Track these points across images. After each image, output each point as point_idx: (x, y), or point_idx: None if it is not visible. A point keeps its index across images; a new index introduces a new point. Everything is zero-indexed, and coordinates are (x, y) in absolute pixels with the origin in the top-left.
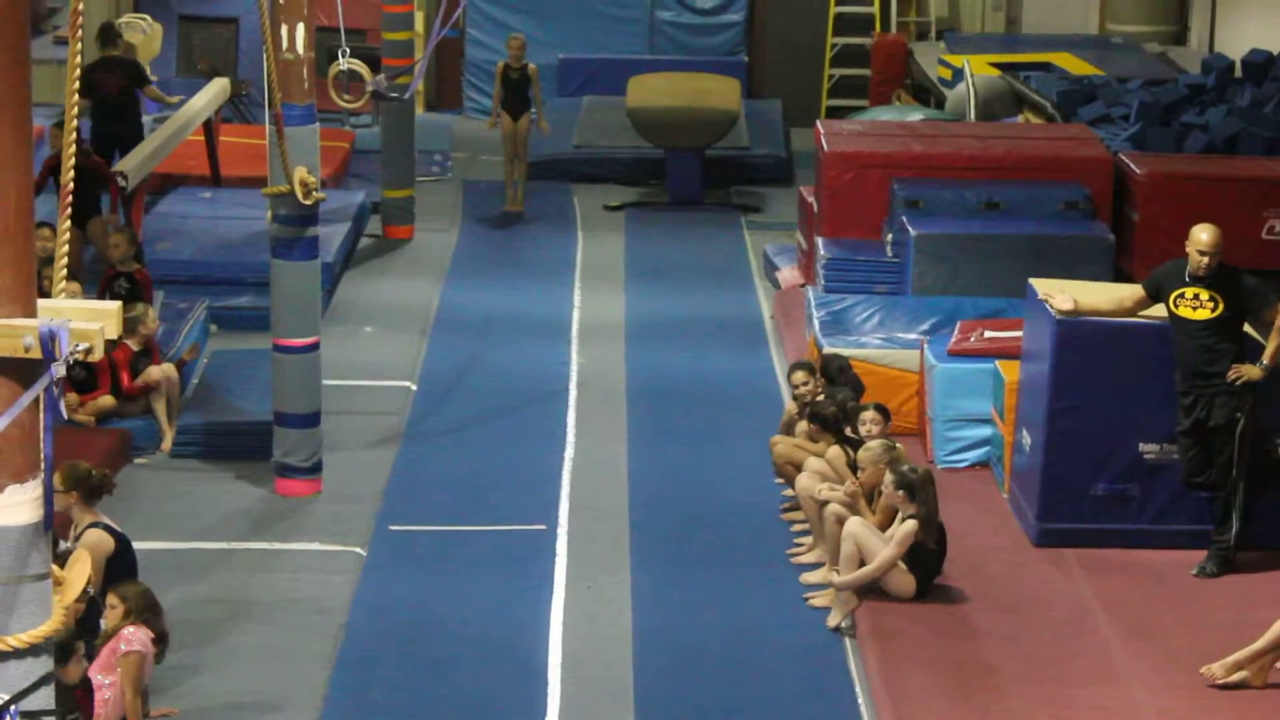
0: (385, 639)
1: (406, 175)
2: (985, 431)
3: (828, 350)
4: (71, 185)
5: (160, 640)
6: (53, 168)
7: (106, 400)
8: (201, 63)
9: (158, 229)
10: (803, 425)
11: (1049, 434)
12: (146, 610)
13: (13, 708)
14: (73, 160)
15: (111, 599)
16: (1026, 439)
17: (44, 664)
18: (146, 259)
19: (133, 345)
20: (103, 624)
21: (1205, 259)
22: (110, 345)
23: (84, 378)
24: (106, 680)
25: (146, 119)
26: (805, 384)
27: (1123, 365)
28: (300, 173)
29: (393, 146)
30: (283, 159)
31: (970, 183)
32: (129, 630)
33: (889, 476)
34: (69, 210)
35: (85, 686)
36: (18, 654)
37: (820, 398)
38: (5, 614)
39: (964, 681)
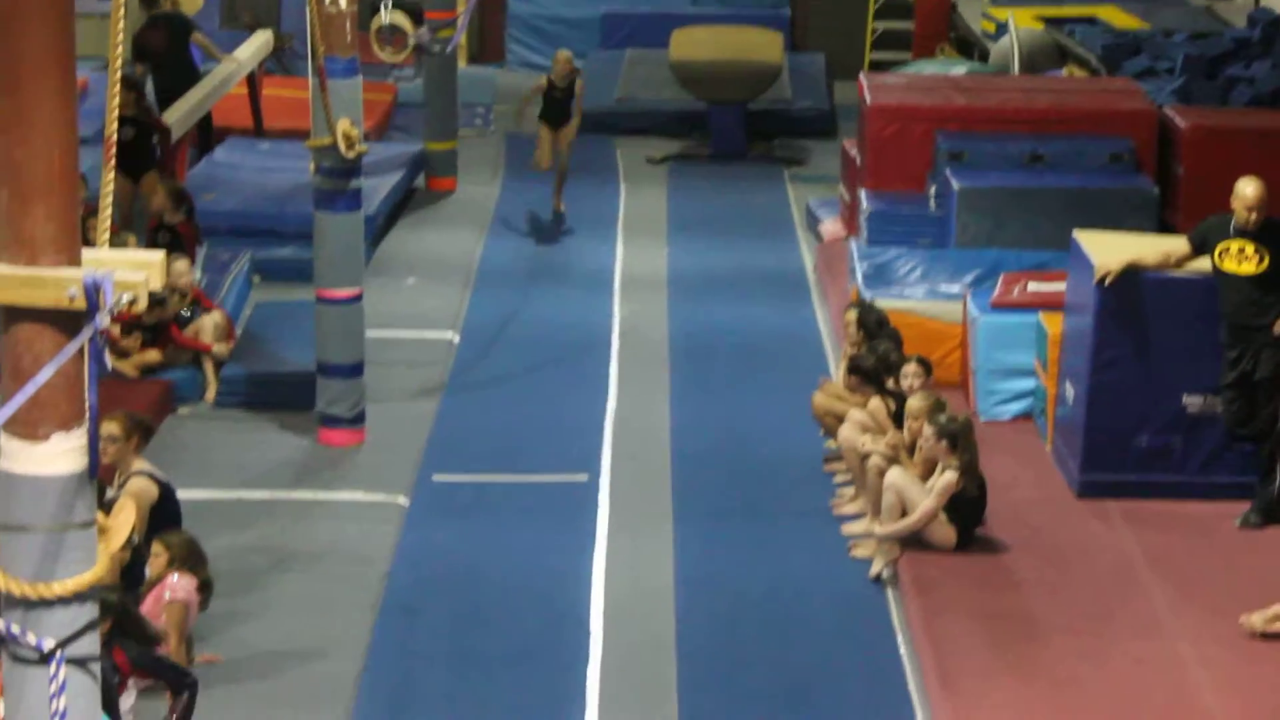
0: (428, 588)
1: (449, 128)
2: (1028, 384)
3: (865, 303)
4: (116, 137)
5: (204, 588)
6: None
7: (153, 355)
8: (245, 16)
9: (202, 180)
10: (840, 374)
11: (1092, 386)
12: (190, 558)
13: (59, 653)
14: (116, 112)
15: (155, 547)
16: (1070, 391)
17: (89, 611)
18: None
19: (174, 301)
20: (147, 572)
21: (1251, 213)
22: (154, 300)
23: (151, 338)
24: None
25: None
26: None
27: (1166, 318)
28: (343, 125)
29: (435, 99)
30: (326, 112)
31: (1014, 136)
32: (173, 579)
33: (929, 428)
34: (113, 161)
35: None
36: (63, 601)
37: (860, 350)
38: (51, 561)
39: (1005, 632)
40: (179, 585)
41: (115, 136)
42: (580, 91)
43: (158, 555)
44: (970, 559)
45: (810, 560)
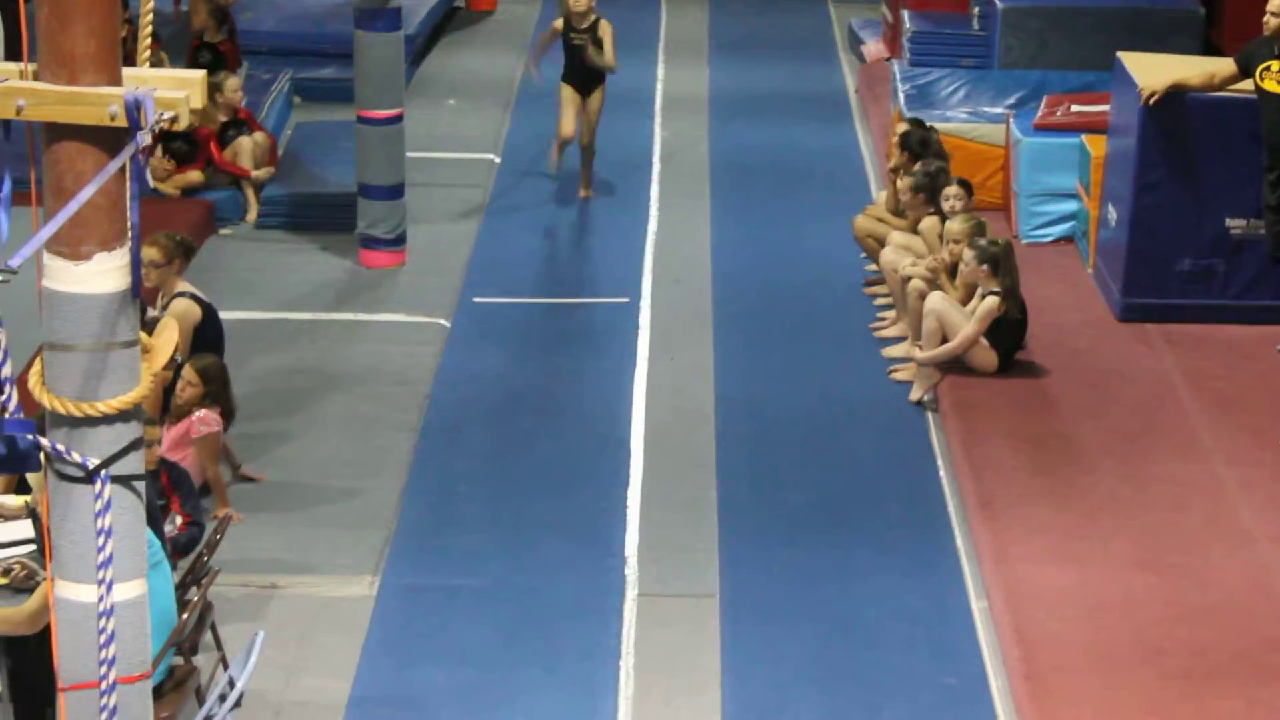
0: (469, 409)
1: None
2: (1070, 206)
3: (907, 121)
4: None
5: (228, 415)
6: None
7: (195, 175)
8: None
9: None
10: (883, 196)
11: (1135, 209)
12: (222, 389)
13: (103, 472)
14: None
15: (190, 376)
16: (1112, 214)
17: (133, 430)
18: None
19: (220, 116)
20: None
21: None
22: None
23: (185, 151)
24: (177, 459)
25: None
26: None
27: (1211, 140)
28: None
29: None
30: None
31: None
32: (199, 414)
33: (970, 251)
34: None
35: (170, 470)
36: (107, 419)
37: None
38: (95, 380)
39: (1045, 455)
40: (206, 419)
41: None
42: (610, 37)
43: (192, 385)
44: (1011, 383)
45: (850, 383)
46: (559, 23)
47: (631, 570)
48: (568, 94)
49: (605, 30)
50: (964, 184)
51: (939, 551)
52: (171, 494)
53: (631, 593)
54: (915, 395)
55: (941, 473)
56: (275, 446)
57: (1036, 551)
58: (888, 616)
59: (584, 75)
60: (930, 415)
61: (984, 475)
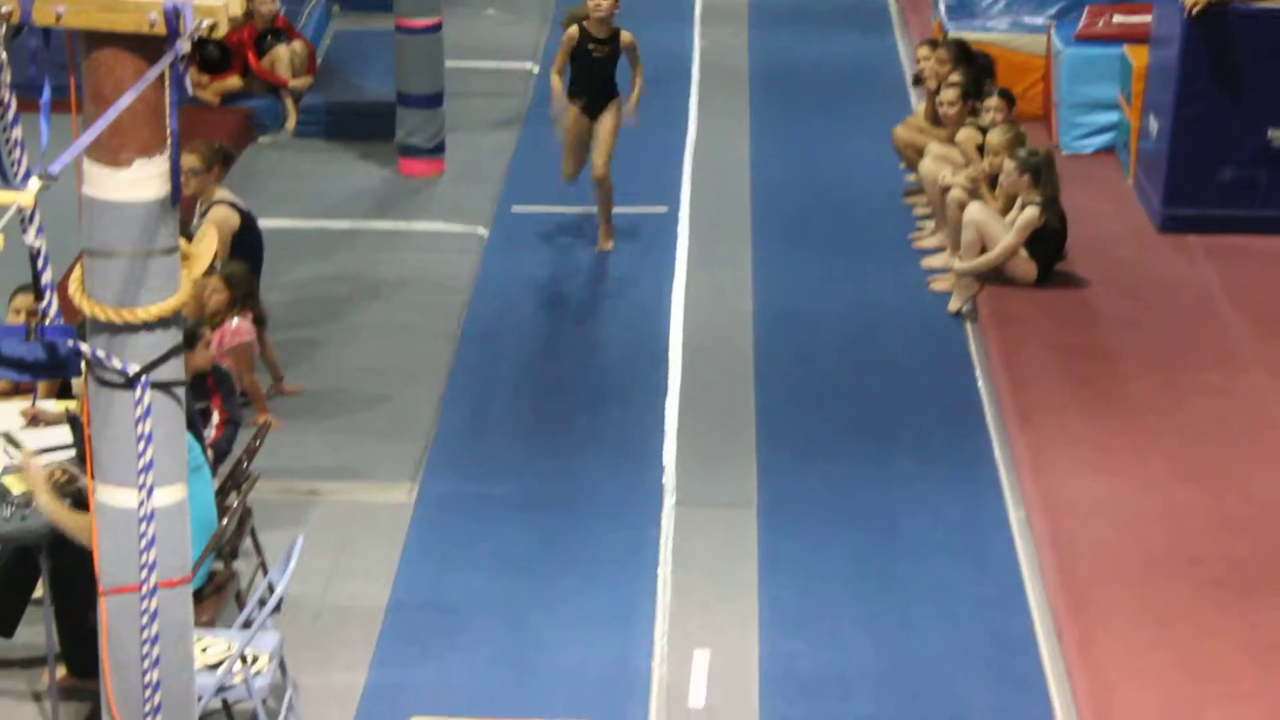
0: (507, 317)
1: None
2: (1112, 117)
3: (952, 36)
4: None
5: (259, 321)
6: None
7: (233, 81)
8: None
9: None
10: (922, 107)
11: (1176, 120)
12: (249, 295)
13: (143, 378)
14: None
15: (216, 283)
16: (1153, 125)
17: (173, 336)
18: None
19: (256, 24)
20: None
21: None
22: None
23: (218, 57)
24: None
25: None
26: (927, 59)
27: (1253, 51)
28: None
29: None
30: None
31: None
32: (232, 324)
33: (1010, 162)
34: None
35: (215, 373)
36: (147, 326)
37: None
38: (134, 287)
39: (1084, 366)
40: (240, 329)
41: None
42: (633, 49)
43: (218, 291)
44: (1050, 293)
45: (889, 293)
46: (573, 30)
47: (670, 479)
48: (571, 118)
49: (630, 44)
50: (1005, 95)
51: (977, 462)
52: (214, 394)
53: (670, 501)
54: (954, 306)
55: (980, 383)
56: (314, 354)
57: (1075, 461)
58: (925, 526)
59: (597, 90)
60: (969, 326)
61: (1023, 386)
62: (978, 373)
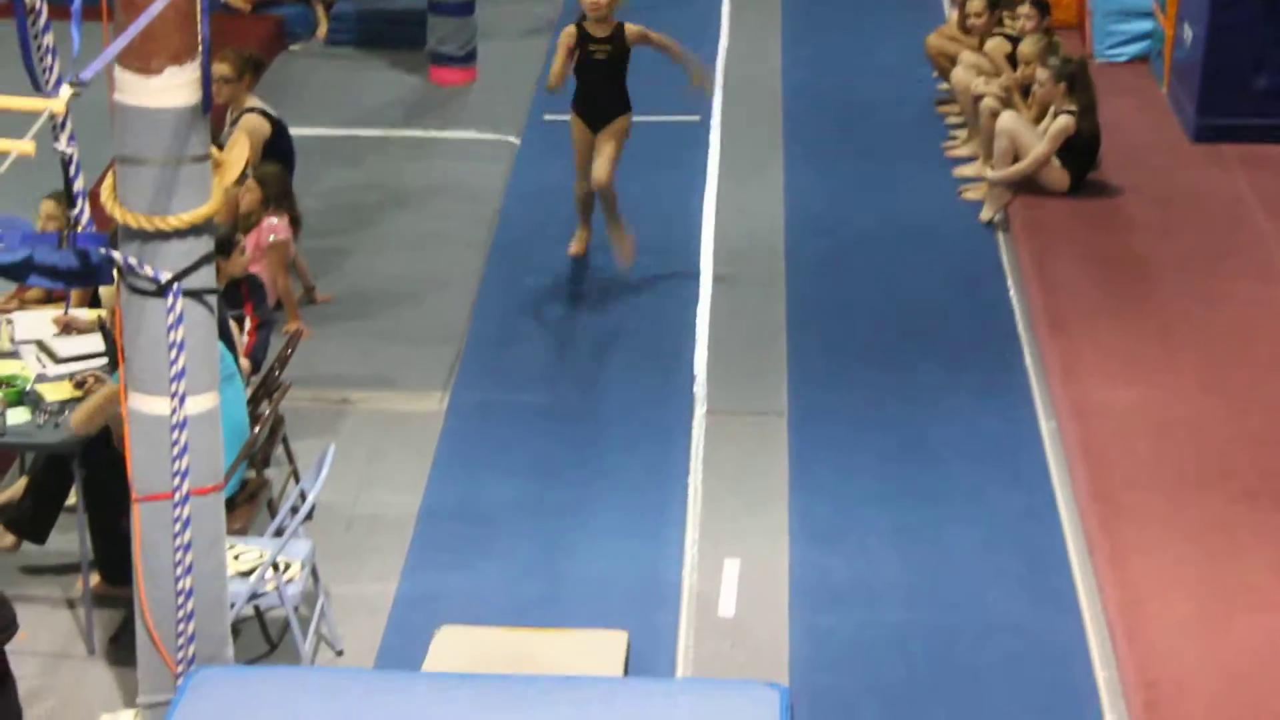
0: (538, 227)
1: None
2: (1146, 25)
3: None
4: None
5: (295, 223)
6: None
7: None
8: None
9: None
10: (954, 16)
11: (1211, 27)
12: (284, 195)
13: (176, 285)
14: None
15: (249, 183)
16: (1188, 33)
17: (204, 244)
18: None
19: None
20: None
21: None
22: None
23: None
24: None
25: None
26: None
27: None
28: None
29: None
30: None
31: None
32: (269, 221)
33: (1044, 71)
34: None
35: (249, 280)
36: (179, 234)
37: None
38: (166, 195)
39: (1116, 274)
40: (277, 227)
41: None
42: (646, 37)
43: (251, 191)
44: (1082, 203)
45: (921, 202)
46: (571, 29)
47: (700, 388)
48: (576, 133)
49: (640, 34)
50: (1038, 3)
51: (1008, 371)
52: (247, 300)
53: (700, 410)
54: (986, 215)
55: (1011, 292)
56: (345, 262)
57: (1106, 371)
58: (956, 435)
59: (603, 99)
60: (1001, 235)
61: (1054, 294)
62: (1009, 282)
